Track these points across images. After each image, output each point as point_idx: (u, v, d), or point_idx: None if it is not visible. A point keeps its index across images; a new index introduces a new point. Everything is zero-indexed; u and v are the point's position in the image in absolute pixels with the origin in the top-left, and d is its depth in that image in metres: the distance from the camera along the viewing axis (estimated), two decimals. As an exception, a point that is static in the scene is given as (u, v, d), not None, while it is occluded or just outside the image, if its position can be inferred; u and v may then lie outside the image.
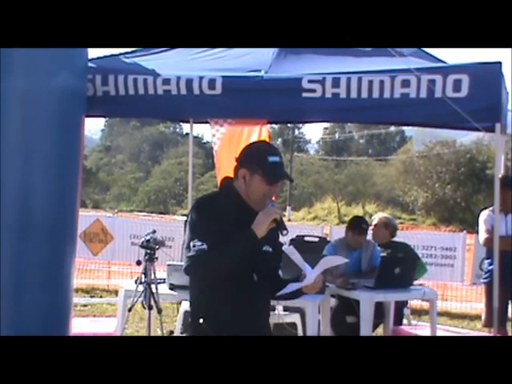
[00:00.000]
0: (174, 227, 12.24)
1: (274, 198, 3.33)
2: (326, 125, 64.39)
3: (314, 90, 5.41)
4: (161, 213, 47.99)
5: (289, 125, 47.62)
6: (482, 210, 7.32)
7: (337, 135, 64.16)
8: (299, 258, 3.21)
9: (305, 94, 5.43)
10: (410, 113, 5.45)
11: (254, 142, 3.53)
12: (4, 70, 4.81)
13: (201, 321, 3.08)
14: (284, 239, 3.49)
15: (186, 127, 76.50)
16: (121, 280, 11.58)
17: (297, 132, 61.61)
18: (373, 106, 5.37)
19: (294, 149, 52.42)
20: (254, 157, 3.16)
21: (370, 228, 7.13)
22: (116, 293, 10.75)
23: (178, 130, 76.77)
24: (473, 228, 22.53)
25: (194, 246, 2.95)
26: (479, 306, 10.79)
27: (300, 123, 9.13)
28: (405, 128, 65.85)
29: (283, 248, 3.22)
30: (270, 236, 3.12)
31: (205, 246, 2.94)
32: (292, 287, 3.24)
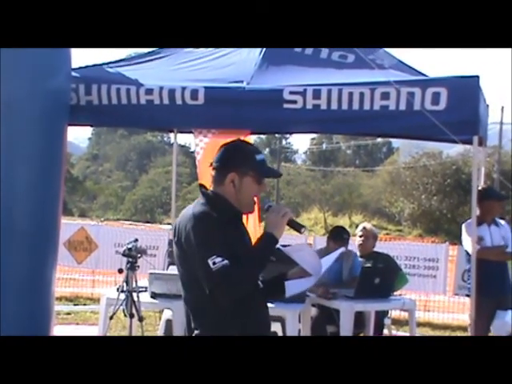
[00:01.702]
0: (158, 236, 12.25)
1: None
2: (314, 135, 64.55)
3: (295, 102, 5.46)
4: (147, 222, 47.89)
5: (276, 135, 47.65)
6: (464, 221, 7.39)
7: (324, 146, 64.29)
8: (305, 258, 3.17)
9: (286, 105, 5.48)
10: (389, 125, 5.51)
11: (232, 145, 3.21)
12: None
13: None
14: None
15: (173, 136, 76.53)
16: (105, 289, 11.57)
17: (284, 142, 61.70)
18: (353, 117, 5.43)
19: (281, 159, 52.49)
20: (241, 159, 3.03)
21: (354, 238, 7.20)
22: (99, 301, 10.80)
23: (165, 139, 76.62)
24: (459, 239, 22.60)
25: (215, 263, 2.77)
26: (461, 317, 10.91)
27: (280, 134, 9.18)
28: (392, 139, 66.23)
29: (284, 249, 3.15)
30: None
31: (226, 262, 2.78)
32: (300, 285, 3.22)
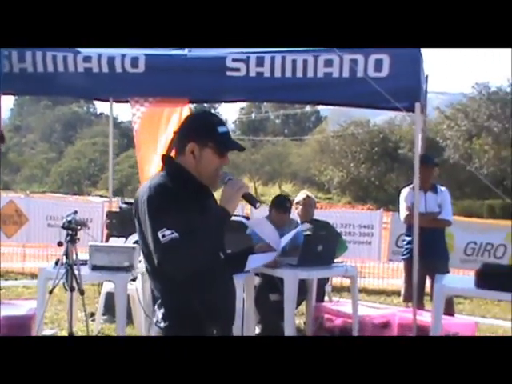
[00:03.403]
0: (91, 208, 12.05)
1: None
2: (243, 104, 64.58)
3: (238, 69, 5.40)
4: (75, 194, 47.20)
5: (205, 104, 47.42)
6: (403, 187, 7.48)
7: (253, 115, 64.36)
8: (267, 232, 3.20)
9: (229, 73, 5.41)
10: (333, 92, 5.50)
11: (196, 114, 3.23)
12: None
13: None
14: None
15: (99, 107, 75.08)
16: (37, 263, 11.34)
17: (213, 111, 61.44)
18: (297, 85, 5.40)
19: (210, 129, 52.23)
20: (201, 129, 2.94)
21: (294, 206, 7.20)
22: (32, 276, 10.56)
23: (91, 109, 75.47)
24: (386, 206, 23.14)
25: (164, 235, 2.71)
26: (395, 282, 11.11)
27: (224, 102, 8.99)
28: (320, 108, 66.67)
29: (247, 222, 3.11)
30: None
31: (176, 235, 2.71)
32: (259, 259, 3.19)
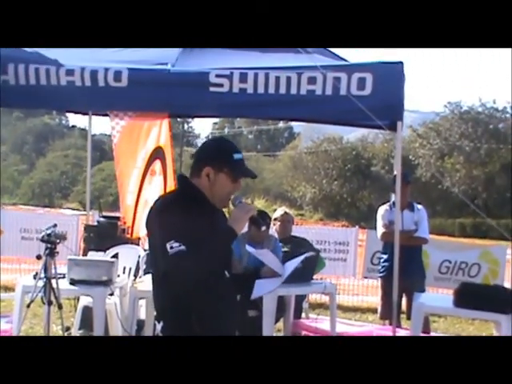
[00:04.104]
0: (66, 221, 11.92)
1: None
2: (216, 120, 64.59)
3: (221, 85, 5.41)
4: (46, 206, 46.78)
5: (178, 119, 47.40)
6: (380, 205, 7.51)
7: (226, 130, 64.44)
8: (271, 260, 3.31)
9: (212, 89, 5.41)
10: (316, 109, 5.52)
11: (213, 139, 3.48)
12: None
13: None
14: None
15: (72, 119, 74.54)
16: (9, 276, 11.19)
17: (186, 126, 61.47)
18: (280, 101, 5.42)
19: (183, 143, 52.26)
20: (218, 155, 3.07)
21: (272, 223, 7.19)
22: (5, 289, 10.41)
23: (63, 121, 75.00)
24: (358, 223, 23.23)
25: (172, 247, 2.82)
26: (370, 300, 11.14)
27: (207, 117, 9.05)
28: (293, 124, 66.98)
29: (253, 251, 3.22)
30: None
31: (183, 247, 2.82)
32: (267, 285, 3.25)
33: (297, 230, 8.04)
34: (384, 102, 5.35)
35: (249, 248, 3.33)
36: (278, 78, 5.37)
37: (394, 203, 7.02)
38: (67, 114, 75.46)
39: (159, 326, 3.02)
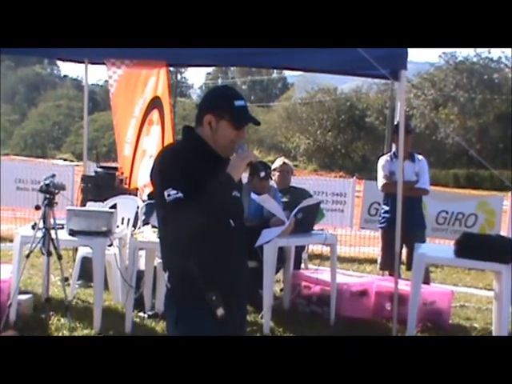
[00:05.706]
0: (62, 171, 11.81)
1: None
2: (209, 70, 64.06)
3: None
4: (39, 157, 46.62)
5: (171, 69, 46.98)
6: (380, 155, 7.42)
7: (220, 80, 63.92)
8: (275, 206, 3.23)
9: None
10: (319, 58, 5.42)
11: (215, 88, 3.39)
12: None
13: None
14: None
15: (63, 69, 73.69)
16: (4, 226, 11.13)
17: (179, 77, 60.96)
18: (283, 50, 5.28)
19: (176, 94, 51.86)
20: (219, 102, 3.03)
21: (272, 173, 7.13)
22: (1, 239, 10.37)
23: (55, 71, 74.24)
24: (352, 174, 23.18)
25: (169, 194, 2.85)
26: (367, 250, 11.17)
27: (201, 67, 8.89)
28: (287, 74, 66.54)
29: (256, 198, 3.20)
30: (237, 181, 3.03)
31: (181, 195, 2.85)
32: (270, 234, 3.21)
33: (292, 181, 7.98)
34: (387, 51, 5.23)
35: (252, 195, 3.29)
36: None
37: (394, 154, 6.96)
38: (59, 64, 74.98)
39: (165, 276, 3.03)
